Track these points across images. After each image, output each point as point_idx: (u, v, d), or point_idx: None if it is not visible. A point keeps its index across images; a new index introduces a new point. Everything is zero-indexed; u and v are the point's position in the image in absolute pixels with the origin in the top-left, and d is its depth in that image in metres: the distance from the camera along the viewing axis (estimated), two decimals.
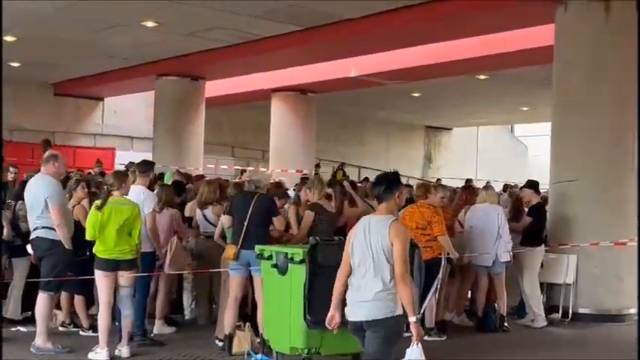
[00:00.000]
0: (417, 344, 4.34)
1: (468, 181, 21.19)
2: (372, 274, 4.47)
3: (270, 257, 6.30)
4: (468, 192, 9.70)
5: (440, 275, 7.99)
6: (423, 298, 8.01)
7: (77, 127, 21.52)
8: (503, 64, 14.71)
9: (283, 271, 6.14)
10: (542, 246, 9.33)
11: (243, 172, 18.00)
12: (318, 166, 22.62)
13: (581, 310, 9.61)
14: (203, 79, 17.56)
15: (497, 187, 16.22)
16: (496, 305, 8.94)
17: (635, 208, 10.13)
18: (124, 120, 21.84)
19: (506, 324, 8.83)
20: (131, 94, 20.51)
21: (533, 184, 9.70)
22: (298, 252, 6.03)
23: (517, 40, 13.24)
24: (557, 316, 9.56)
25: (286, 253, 6.13)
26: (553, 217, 9.90)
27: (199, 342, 7.49)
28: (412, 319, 4.37)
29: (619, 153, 9.68)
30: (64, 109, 21.08)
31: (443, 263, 7.99)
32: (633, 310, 9.86)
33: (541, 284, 9.60)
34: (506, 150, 29.82)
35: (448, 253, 8.04)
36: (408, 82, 17.50)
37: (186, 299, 8.91)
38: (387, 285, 4.44)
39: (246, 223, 6.83)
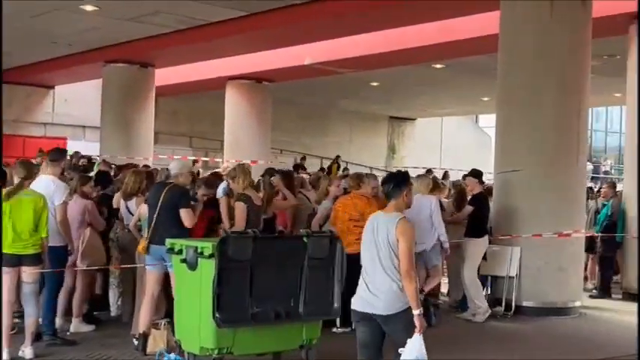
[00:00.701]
0: (419, 335, 4.58)
1: (429, 171, 20.99)
2: (381, 270, 4.61)
3: (180, 251, 5.91)
4: None
5: None
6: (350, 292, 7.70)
7: (27, 116, 20.88)
8: (457, 52, 14.44)
9: (193, 266, 5.76)
10: (486, 237, 9.03)
11: (195, 162, 17.54)
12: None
13: (525, 304, 9.34)
14: (152, 66, 17.07)
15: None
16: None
17: (581, 199, 9.96)
18: (76, 108, 21.24)
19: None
20: (81, 81, 19.94)
21: (476, 173, 9.40)
22: (207, 246, 5.66)
23: (469, 28, 12.97)
24: (501, 309, 9.29)
25: (196, 247, 5.75)
26: (497, 208, 9.63)
27: (116, 341, 7.08)
28: (416, 312, 4.57)
29: (563, 145, 9.41)
30: (14, 97, 20.37)
31: None
32: (578, 303, 9.67)
33: (485, 277, 9.36)
34: (470, 140, 29.65)
35: None
36: (365, 71, 17.17)
37: (113, 295, 8.48)
38: (397, 280, 4.60)
39: (155, 216, 6.45)
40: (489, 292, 9.56)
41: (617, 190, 11.84)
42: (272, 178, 7.88)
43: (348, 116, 26.65)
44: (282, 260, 5.92)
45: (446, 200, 10.21)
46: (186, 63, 17.47)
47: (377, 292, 4.61)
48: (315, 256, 5.97)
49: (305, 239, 6.01)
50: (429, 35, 13.58)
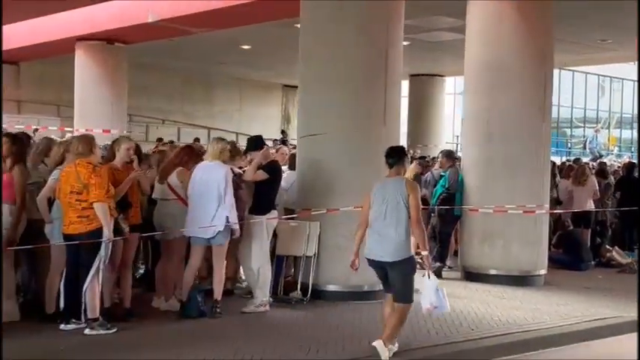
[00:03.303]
0: (431, 272, 5.86)
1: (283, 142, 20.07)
2: (393, 222, 5.74)
3: None
4: (189, 152, 7.87)
5: (102, 252, 6.33)
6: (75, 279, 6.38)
7: None
8: None
9: None
10: (274, 212, 7.75)
11: (35, 130, 15.90)
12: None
13: (329, 287, 8.17)
14: None
15: None
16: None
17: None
18: None
19: (218, 309, 7.24)
20: None
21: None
22: None
23: None
24: (297, 294, 8.08)
25: None
26: (299, 179, 8.41)
27: None
28: (424, 252, 5.75)
29: (369, 104, 8.22)
30: None
31: (105, 238, 6.31)
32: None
33: (278, 258, 8.15)
34: None
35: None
36: (221, 30, 15.72)
37: None
38: (404, 232, 5.75)
39: None
40: (291, 275, 8.39)
41: (455, 159, 10.71)
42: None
43: (237, 84, 25.21)
44: None
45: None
46: (25, 19, 15.72)
47: (386, 242, 5.75)
48: None
49: None
50: None
